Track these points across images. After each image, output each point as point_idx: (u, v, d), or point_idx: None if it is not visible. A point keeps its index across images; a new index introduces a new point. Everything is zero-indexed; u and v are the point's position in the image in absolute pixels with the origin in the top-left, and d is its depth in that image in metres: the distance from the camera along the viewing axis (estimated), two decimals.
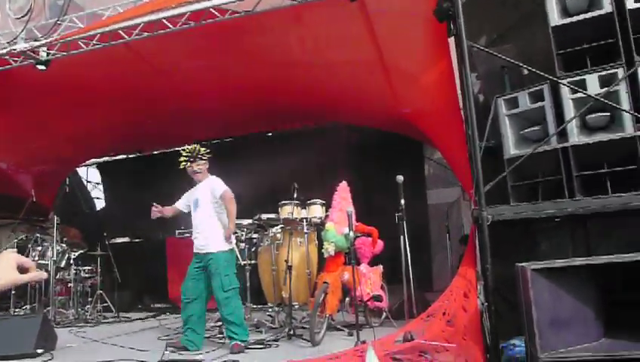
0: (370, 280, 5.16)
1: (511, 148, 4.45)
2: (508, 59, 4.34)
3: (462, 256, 6.22)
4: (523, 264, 3.38)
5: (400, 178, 4.77)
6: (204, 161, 5.43)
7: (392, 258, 5.54)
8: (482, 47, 4.54)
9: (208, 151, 5.55)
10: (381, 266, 5.50)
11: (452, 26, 4.72)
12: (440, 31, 4.92)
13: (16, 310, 8.14)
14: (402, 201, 4.70)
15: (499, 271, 4.08)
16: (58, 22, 5.75)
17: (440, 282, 8.06)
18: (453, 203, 8.47)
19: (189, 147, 5.49)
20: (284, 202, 5.84)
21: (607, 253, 3.22)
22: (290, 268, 5.12)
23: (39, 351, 4.60)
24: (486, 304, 4.07)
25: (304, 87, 7.36)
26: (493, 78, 5.05)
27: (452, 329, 3.56)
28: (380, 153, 8.19)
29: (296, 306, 5.49)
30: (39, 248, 8.07)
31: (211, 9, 5.19)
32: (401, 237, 4.74)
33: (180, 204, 5.45)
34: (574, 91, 4.00)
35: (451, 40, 4.89)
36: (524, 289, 3.24)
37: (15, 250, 9.08)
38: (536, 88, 4.25)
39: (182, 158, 5.44)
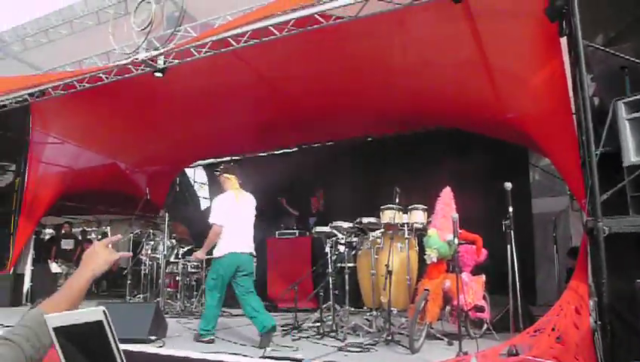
0: (472, 290, 4.99)
1: (632, 155, 4.12)
2: (630, 58, 4.04)
3: (570, 269, 5.86)
4: None
5: (508, 185, 4.58)
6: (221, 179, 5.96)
7: (495, 268, 5.33)
8: (600, 47, 4.26)
9: (217, 169, 6.22)
10: (483, 276, 5.31)
11: (564, 25, 4.48)
12: (551, 31, 4.69)
13: (131, 298, 8.83)
14: (510, 209, 4.51)
15: (615, 287, 3.80)
16: (174, 32, 6.17)
17: (544, 295, 7.64)
18: (561, 213, 8.01)
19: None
20: (385, 206, 5.82)
21: None
22: (390, 273, 5.09)
23: (152, 337, 4.96)
24: (599, 323, 3.81)
25: (406, 91, 7.31)
26: (611, 80, 4.71)
27: (562, 347, 3.36)
28: (483, 159, 7.92)
29: (395, 312, 5.44)
30: (151, 242, 8.70)
31: (316, 15, 5.30)
32: (508, 246, 4.54)
33: None
34: None
35: (563, 40, 4.64)
36: None
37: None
38: None
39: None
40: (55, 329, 0.59)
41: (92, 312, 0.59)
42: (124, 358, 0.61)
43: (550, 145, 5.76)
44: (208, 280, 5.59)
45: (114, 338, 0.59)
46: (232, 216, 5.52)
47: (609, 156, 4.35)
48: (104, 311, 0.60)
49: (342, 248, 5.99)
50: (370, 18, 5.32)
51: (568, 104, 4.83)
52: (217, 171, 6.10)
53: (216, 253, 5.47)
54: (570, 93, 4.76)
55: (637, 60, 4.05)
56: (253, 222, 5.81)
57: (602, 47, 4.26)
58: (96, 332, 0.59)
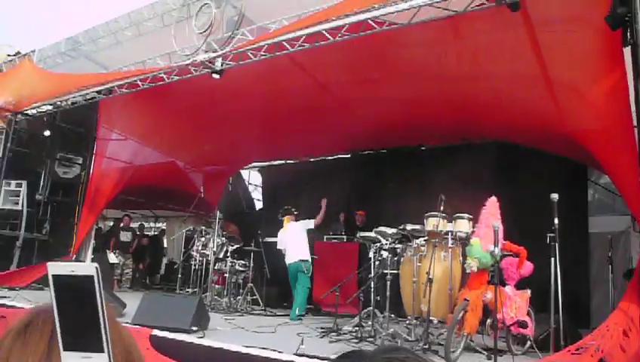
0: (516, 304, 4.84)
1: None
2: None
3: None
4: None
5: (555, 196, 4.42)
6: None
7: (543, 284, 5.12)
8: None
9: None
10: (529, 291, 5.13)
11: (629, 33, 4.29)
12: (613, 40, 4.50)
13: (181, 292, 9.13)
14: (556, 221, 4.34)
15: None
16: (232, 35, 6.38)
17: (599, 319, 7.25)
18: (620, 233, 7.62)
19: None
20: (430, 214, 5.75)
21: None
22: (430, 281, 5.02)
23: (193, 328, 5.12)
24: None
25: (460, 101, 7.21)
26: None
27: None
28: (538, 173, 7.67)
29: (435, 321, 5.35)
30: (203, 239, 8.97)
31: (369, 20, 5.33)
32: (552, 259, 4.38)
33: None
34: None
35: (627, 50, 4.44)
36: None
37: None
38: None
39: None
40: (53, 276, 0.63)
41: (86, 267, 0.63)
42: (106, 313, 0.63)
43: (610, 161, 5.51)
44: None
45: (100, 294, 0.63)
46: (283, 242, 8.09)
47: None
48: (96, 268, 0.63)
49: (385, 254, 5.95)
50: (423, 25, 5.30)
51: (630, 118, 4.61)
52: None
53: None
54: (633, 107, 4.54)
55: None
56: (304, 234, 8.03)
57: None
58: (87, 285, 0.63)
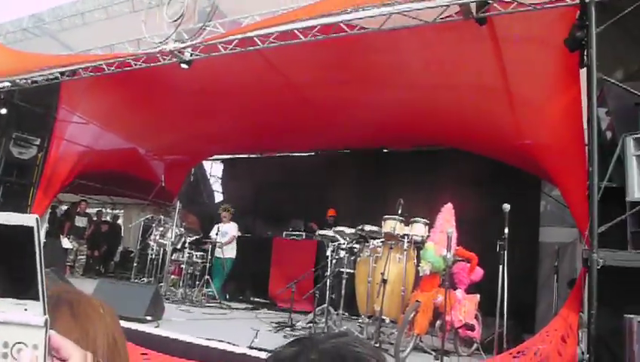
0: (465, 308, 5.02)
1: (636, 191, 4.15)
2: None
3: None
4: (632, 316, 3.17)
5: (506, 206, 4.63)
6: None
7: (493, 289, 5.35)
8: (615, 82, 4.29)
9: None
10: (478, 295, 5.33)
11: (585, 56, 4.51)
12: (571, 61, 4.72)
13: (136, 280, 9.02)
14: (506, 230, 4.55)
15: (607, 321, 3.81)
16: (203, 26, 6.34)
17: (544, 325, 7.56)
18: (568, 244, 7.95)
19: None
20: (388, 216, 5.89)
21: None
22: (385, 281, 5.16)
23: (148, 317, 5.10)
24: (586, 354, 3.82)
25: (425, 108, 7.37)
26: (625, 115, 4.73)
27: None
28: (493, 183, 7.95)
29: (387, 321, 5.49)
30: (161, 228, 8.88)
31: (341, 24, 5.41)
32: (500, 266, 4.58)
33: None
34: None
35: (583, 71, 4.67)
36: (629, 343, 3.05)
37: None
38: None
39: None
40: None
41: (26, 218, 0.60)
42: (44, 270, 0.62)
43: (560, 174, 5.77)
44: None
45: (39, 244, 0.61)
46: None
47: (615, 190, 4.38)
48: (37, 219, 0.60)
49: (343, 253, 6.06)
50: (394, 32, 5.41)
51: (582, 135, 4.84)
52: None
53: None
54: (585, 125, 4.77)
55: None
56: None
57: (616, 82, 4.29)
58: (26, 237, 0.60)
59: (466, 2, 4.76)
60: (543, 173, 6.69)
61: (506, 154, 7.33)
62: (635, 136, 4.20)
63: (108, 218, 14.00)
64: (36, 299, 0.63)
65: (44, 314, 0.63)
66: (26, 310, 0.63)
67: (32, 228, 0.61)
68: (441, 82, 6.65)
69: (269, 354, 0.78)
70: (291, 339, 0.81)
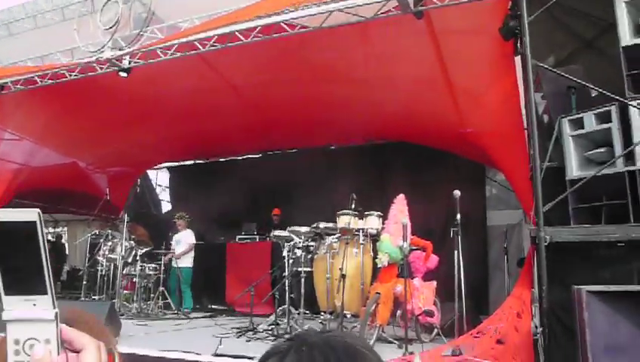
0: (423, 295, 5.15)
1: (574, 169, 4.37)
2: (575, 79, 4.28)
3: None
4: (580, 286, 3.33)
5: (457, 193, 4.77)
6: None
7: (448, 275, 5.50)
8: (548, 67, 4.50)
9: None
10: (435, 282, 5.47)
11: (519, 44, 4.71)
12: (506, 49, 4.92)
13: (86, 299, 8.68)
14: (458, 216, 4.69)
15: (558, 295, 4.00)
16: (141, 33, 6.19)
17: (497, 306, 7.84)
18: (515, 225, 8.28)
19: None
20: (342, 212, 5.95)
21: None
22: (343, 276, 5.21)
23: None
24: (540, 327, 4.00)
25: (369, 103, 7.47)
26: (560, 99, 4.97)
27: (502, 348, 3.52)
28: (440, 172, 8.17)
29: (349, 315, 5.55)
30: (109, 243, 8.60)
31: (282, 23, 5.41)
32: (455, 252, 4.72)
33: None
34: None
35: (518, 59, 4.87)
36: (579, 312, 3.19)
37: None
38: (603, 109, 4.16)
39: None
40: None
41: (28, 213, 0.60)
42: (49, 263, 0.62)
43: (503, 159, 6.01)
44: None
45: (43, 238, 0.61)
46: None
47: (555, 170, 4.60)
48: (39, 213, 0.60)
49: (299, 252, 6.07)
50: (334, 30, 5.46)
51: (521, 120, 5.05)
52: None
53: None
54: (523, 110, 4.98)
55: (581, 81, 4.29)
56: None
57: (550, 68, 4.50)
58: (29, 232, 0.60)
59: None
60: (486, 159, 6.93)
61: (451, 143, 7.54)
62: (570, 117, 4.42)
63: (50, 237, 13.41)
64: (44, 293, 0.63)
65: (54, 308, 0.63)
66: (34, 305, 0.63)
67: (34, 222, 0.61)
68: (384, 76, 6.76)
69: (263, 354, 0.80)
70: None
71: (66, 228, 14.29)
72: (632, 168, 3.93)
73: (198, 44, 5.96)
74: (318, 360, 0.73)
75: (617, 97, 4.01)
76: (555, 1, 4.38)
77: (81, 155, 10.49)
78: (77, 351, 0.64)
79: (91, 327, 0.77)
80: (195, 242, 9.05)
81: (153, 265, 8.39)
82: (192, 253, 9.02)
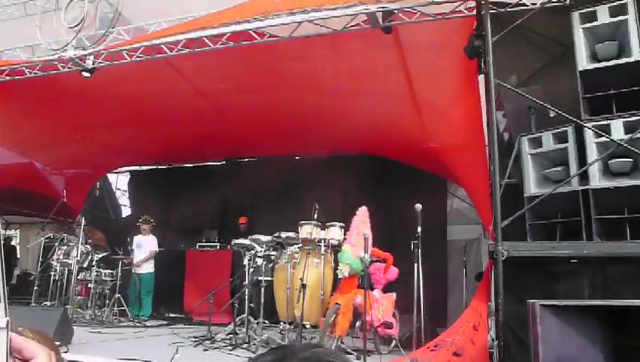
0: (383, 307, 5.18)
1: (532, 187, 4.49)
2: (534, 99, 4.41)
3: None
4: (533, 300, 3.41)
5: (418, 206, 4.84)
6: None
7: (407, 287, 5.55)
8: (509, 87, 4.63)
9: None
10: (394, 294, 5.52)
11: (482, 63, 4.84)
12: (470, 68, 5.04)
13: (36, 306, 8.36)
14: (419, 229, 4.75)
15: (513, 309, 4.08)
16: (106, 33, 6.07)
17: (454, 319, 7.95)
18: (474, 240, 8.44)
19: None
20: (303, 222, 5.94)
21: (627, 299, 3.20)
22: (304, 286, 5.19)
23: (56, 342, 4.75)
24: (496, 340, 4.08)
25: (336, 115, 7.51)
26: (520, 118, 5.12)
27: (458, 360, 3.57)
28: (403, 185, 8.27)
29: (308, 326, 5.53)
30: (64, 247, 8.33)
31: (251, 31, 5.40)
32: (415, 265, 4.77)
33: None
34: (598, 135, 4.04)
35: (481, 77, 4.99)
36: (533, 326, 3.26)
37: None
38: (561, 130, 4.30)
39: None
40: None
41: None
42: (3, 270, 0.60)
43: (464, 174, 6.13)
44: None
45: (1, 264, 0.60)
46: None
47: (514, 187, 4.72)
48: None
49: (260, 261, 6.02)
50: (304, 40, 5.49)
51: (482, 137, 5.17)
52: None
53: None
54: (485, 128, 5.09)
55: (540, 102, 4.42)
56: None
57: (511, 88, 4.62)
58: None
59: (372, 12, 4.94)
60: (448, 174, 7.07)
61: (414, 158, 7.66)
62: (530, 136, 4.55)
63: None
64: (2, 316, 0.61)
65: (6, 316, 0.61)
66: None
67: None
68: (351, 88, 6.82)
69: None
70: (272, 347, 0.85)
71: (18, 231, 13.78)
72: (585, 187, 4.06)
73: (165, 48, 5.89)
74: None
75: (574, 118, 4.15)
76: (518, 24, 4.51)
77: (38, 155, 10.17)
78: (27, 361, 0.63)
79: (40, 337, 0.74)
80: (157, 249, 8.85)
81: (110, 271, 8.16)
82: (153, 259, 8.81)
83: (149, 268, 8.72)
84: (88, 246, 8.18)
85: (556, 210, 4.39)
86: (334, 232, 5.85)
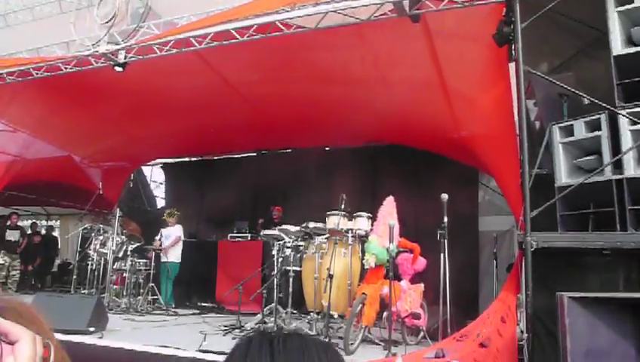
0: (410, 297, 5.15)
1: (563, 176, 4.39)
2: (566, 87, 4.30)
3: None
4: (562, 292, 3.34)
5: (445, 196, 4.78)
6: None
7: (437, 278, 5.51)
8: (541, 74, 4.52)
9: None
10: (422, 285, 5.48)
11: (512, 51, 4.73)
12: (500, 55, 4.93)
13: (75, 293, 8.67)
14: (445, 219, 4.70)
15: (544, 301, 4.01)
16: (137, 28, 6.19)
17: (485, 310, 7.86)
18: (506, 231, 8.29)
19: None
20: (331, 212, 5.95)
21: None
22: (331, 277, 5.20)
23: (91, 329, 4.92)
24: (525, 332, 4.01)
25: (365, 105, 7.48)
26: (552, 106, 5.00)
27: (484, 351, 3.53)
28: (434, 177, 8.16)
29: (335, 316, 5.55)
30: (101, 237, 8.58)
31: (277, 22, 5.41)
32: (441, 255, 4.73)
33: None
34: (633, 123, 3.91)
35: (512, 65, 4.88)
36: (561, 318, 3.20)
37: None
38: (594, 117, 4.18)
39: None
40: None
41: None
42: None
43: (494, 164, 6.01)
44: None
45: None
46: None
47: (546, 177, 4.62)
48: None
49: (288, 251, 6.07)
50: (331, 30, 5.47)
51: (513, 126, 5.06)
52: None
53: None
54: (515, 116, 4.99)
55: (572, 89, 4.31)
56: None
57: (542, 75, 4.51)
58: None
59: (399, 0, 4.88)
60: (479, 164, 6.95)
61: (444, 147, 7.55)
62: (561, 124, 4.43)
63: (42, 230, 13.37)
64: None
65: None
66: None
67: None
68: (380, 78, 6.77)
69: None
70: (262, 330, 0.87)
71: (58, 222, 14.26)
72: (619, 176, 3.94)
73: (194, 41, 5.97)
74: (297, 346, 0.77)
75: (607, 106, 4.03)
76: (549, 8, 4.39)
77: (76, 149, 10.50)
78: (12, 343, 0.63)
79: (21, 313, 0.75)
80: (181, 235, 9.00)
81: (144, 261, 8.37)
82: (180, 249, 8.97)
83: (174, 257, 8.86)
84: (123, 237, 8.41)
85: (588, 200, 4.28)
86: (361, 223, 5.84)
